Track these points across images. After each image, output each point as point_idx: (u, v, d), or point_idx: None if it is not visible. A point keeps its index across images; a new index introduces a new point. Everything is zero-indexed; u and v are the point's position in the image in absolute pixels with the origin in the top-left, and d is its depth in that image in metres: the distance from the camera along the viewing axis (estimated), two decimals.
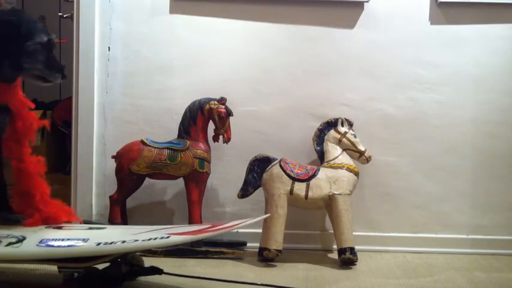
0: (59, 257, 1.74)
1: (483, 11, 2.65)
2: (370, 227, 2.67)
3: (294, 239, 2.58)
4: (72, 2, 2.71)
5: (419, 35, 2.67)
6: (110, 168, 2.61)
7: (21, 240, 1.75)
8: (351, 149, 2.52)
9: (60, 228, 1.95)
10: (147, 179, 2.50)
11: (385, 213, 2.68)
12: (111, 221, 2.44)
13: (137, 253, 2.01)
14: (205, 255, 2.44)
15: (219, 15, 2.68)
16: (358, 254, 2.38)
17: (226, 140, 2.50)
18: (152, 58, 2.70)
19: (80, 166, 2.69)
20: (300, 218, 2.60)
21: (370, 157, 2.52)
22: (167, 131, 2.61)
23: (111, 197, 2.48)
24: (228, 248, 2.48)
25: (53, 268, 1.95)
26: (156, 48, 2.70)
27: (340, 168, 2.47)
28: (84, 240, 1.75)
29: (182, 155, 2.43)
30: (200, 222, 2.46)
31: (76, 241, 1.74)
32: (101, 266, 1.81)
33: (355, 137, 2.54)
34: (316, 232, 2.67)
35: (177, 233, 1.82)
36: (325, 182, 2.43)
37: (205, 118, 2.49)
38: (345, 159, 2.50)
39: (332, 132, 2.56)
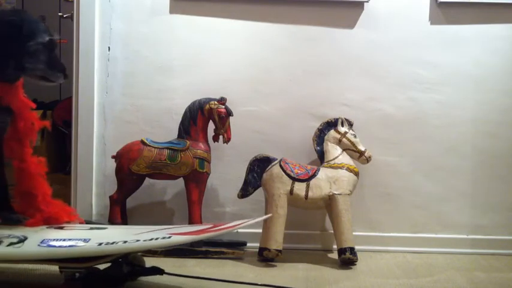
0: (60, 257, 1.74)
1: (483, 11, 2.65)
2: (370, 227, 2.68)
3: (294, 239, 2.58)
4: (72, 2, 2.71)
5: (419, 35, 2.67)
6: (110, 168, 2.61)
7: (22, 240, 1.75)
8: (351, 149, 2.52)
9: (61, 228, 1.95)
10: (147, 179, 2.50)
11: (385, 213, 2.68)
12: (111, 221, 2.44)
13: (139, 253, 2.00)
14: (205, 255, 2.44)
15: (219, 15, 2.68)
16: (358, 254, 2.38)
17: (226, 140, 2.50)
18: (152, 58, 2.69)
19: (80, 166, 2.69)
20: (300, 218, 2.60)
21: (370, 157, 2.52)
22: (167, 131, 2.61)
23: (111, 197, 2.48)
24: (228, 248, 2.48)
25: (54, 268, 1.95)
26: (156, 48, 2.69)
27: (340, 168, 2.47)
28: (85, 240, 1.75)
29: (182, 155, 2.43)
30: (200, 222, 2.46)
31: (77, 241, 1.74)
32: (102, 266, 1.81)
33: (355, 137, 2.54)
34: (316, 232, 2.68)
35: (178, 233, 1.82)
36: (325, 182, 2.43)
37: (205, 118, 2.49)
38: (345, 159, 2.50)
39: (332, 132, 2.56)
